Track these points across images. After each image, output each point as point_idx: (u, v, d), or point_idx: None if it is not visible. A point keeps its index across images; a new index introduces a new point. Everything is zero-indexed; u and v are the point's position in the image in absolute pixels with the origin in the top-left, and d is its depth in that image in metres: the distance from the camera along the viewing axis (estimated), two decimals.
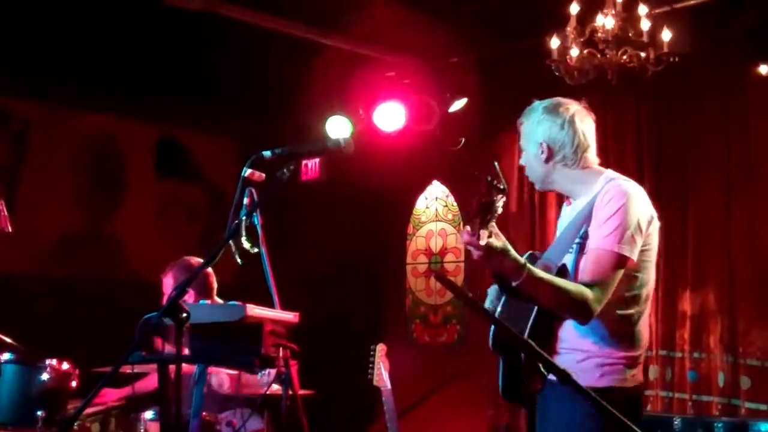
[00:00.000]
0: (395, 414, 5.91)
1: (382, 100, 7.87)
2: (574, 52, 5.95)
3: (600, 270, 3.53)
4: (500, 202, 3.37)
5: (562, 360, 3.55)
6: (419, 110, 7.82)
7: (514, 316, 3.63)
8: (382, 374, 5.92)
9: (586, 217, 3.67)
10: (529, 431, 3.08)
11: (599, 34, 5.84)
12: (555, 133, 3.81)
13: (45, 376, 5.09)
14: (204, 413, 4.99)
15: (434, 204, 8.93)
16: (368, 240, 8.88)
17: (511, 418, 7.68)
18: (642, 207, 3.68)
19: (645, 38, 5.79)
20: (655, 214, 3.73)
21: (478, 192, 3.37)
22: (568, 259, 3.68)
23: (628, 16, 5.82)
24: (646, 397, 7.01)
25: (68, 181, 7.96)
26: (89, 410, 5.43)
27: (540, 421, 3.64)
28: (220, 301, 5.92)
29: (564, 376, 2.77)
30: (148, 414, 5.34)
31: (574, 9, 5.87)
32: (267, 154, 3.75)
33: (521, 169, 8.34)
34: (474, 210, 3.34)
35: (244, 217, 3.82)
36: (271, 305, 4.37)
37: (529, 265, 3.46)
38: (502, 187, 3.39)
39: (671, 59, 5.87)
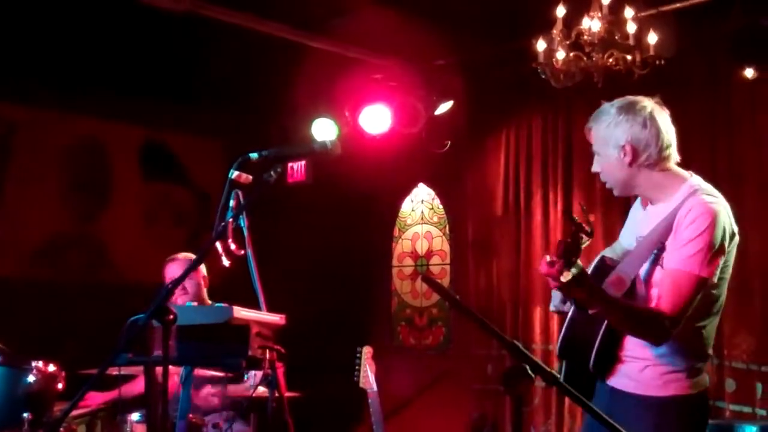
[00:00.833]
0: (381, 416, 5.90)
1: (367, 102, 7.87)
2: (560, 55, 5.96)
3: (680, 293, 3.43)
4: (585, 244, 3.36)
5: (624, 368, 3.59)
6: (405, 113, 7.82)
7: (586, 323, 3.60)
8: (368, 376, 5.91)
9: (666, 228, 3.54)
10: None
11: (585, 37, 5.85)
12: (638, 133, 3.64)
13: (31, 378, 5.07)
14: (190, 415, 4.99)
15: (420, 207, 8.93)
16: (354, 242, 8.87)
17: (495, 419, 7.69)
18: (726, 226, 3.51)
19: (631, 41, 5.81)
20: (736, 230, 3.59)
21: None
22: (642, 271, 3.60)
23: (615, 19, 5.84)
24: None
25: (54, 185, 7.93)
26: (75, 412, 5.41)
27: None
28: (209, 301, 5.93)
29: (552, 378, 2.76)
30: (135, 416, 5.33)
31: (560, 12, 5.88)
32: (254, 156, 3.75)
33: (507, 171, 8.39)
34: (560, 251, 3.29)
35: (230, 219, 3.81)
36: (257, 307, 4.37)
37: (603, 294, 3.43)
38: (589, 230, 3.39)
39: (657, 62, 5.88)
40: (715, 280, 3.49)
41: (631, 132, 3.63)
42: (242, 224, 4.25)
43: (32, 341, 5.71)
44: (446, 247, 8.71)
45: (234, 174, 3.84)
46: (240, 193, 3.94)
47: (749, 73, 6.33)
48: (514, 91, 7.66)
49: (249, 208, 3.96)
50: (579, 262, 3.31)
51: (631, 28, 5.80)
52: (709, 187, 3.60)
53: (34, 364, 5.10)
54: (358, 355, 6.00)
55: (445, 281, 8.54)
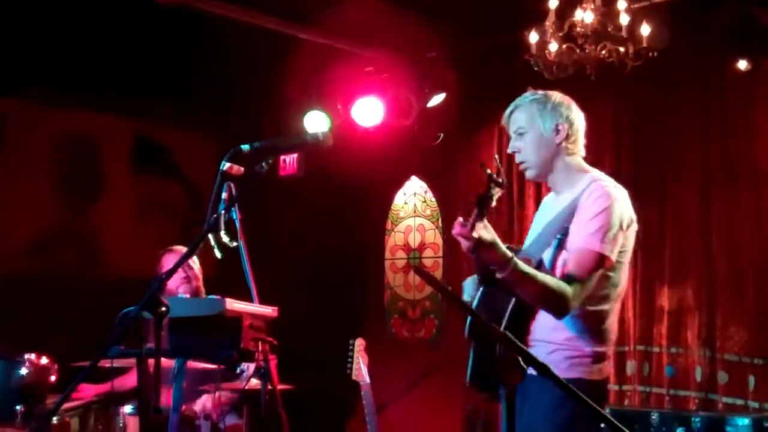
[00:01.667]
0: (374, 408, 5.90)
1: (360, 95, 7.86)
2: (553, 46, 5.95)
3: (581, 268, 3.59)
4: (497, 195, 3.52)
5: (535, 351, 3.54)
6: (397, 105, 7.81)
7: (492, 309, 3.71)
8: (361, 369, 5.91)
9: (569, 214, 3.72)
10: (507, 424, 3.06)
11: (578, 29, 5.84)
12: (571, 117, 3.90)
13: (24, 371, 5.07)
14: (183, 407, 4.98)
15: (412, 199, 8.92)
16: (347, 235, 8.87)
17: (487, 412, 7.68)
18: (624, 210, 3.74)
19: (624, 33, 5.80)
20: (634, 218, 3.80)
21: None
22: (546, 254, 3.75)
23: (607, 11, 5.83)
24: (624, 392, 7.04)
25: (45, 179, 7.91)
26: (68, 405, 5.42)
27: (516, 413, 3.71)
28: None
29: (543, 368, 2.77)
30: (127, 408, 5.32)
31: (553, 3, 5.88)
32: (245, 147, 3.73)
33: (501, 163, 8.38)
34: (473, 202, 3.44)
35: (222, 211, 3.80)
36: (250, 300, 4.36)
37: (515, 259, 3.53)
38: (501, 180, 3.53)
39: (650, 54, 5.88)
40: (614, 259, 3.66)
41: (566, 114, 3.89)
42: (234, 216, 4.23)
43: (23, 335, 5.71)
44: (439, 240, 8.70)
45: (226, 166, 3.81)
46: (232, 185, 3.92)
47: (743, 65, 6.34)
48: (507, 84, 7.63)
49: (241, 200, 3.93)
50: (491, 228, 3.50)
51: (624, 19, 5.79)
52: (608, 179, 3.87)
53: (27, 356, 5.11)
54: (350, 347, 5.99)
55: (438, 274, 8.53)
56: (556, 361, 3.61)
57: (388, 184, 9.01)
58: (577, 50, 5.93)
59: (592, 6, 5.81)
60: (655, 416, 6.01)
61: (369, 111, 7.84)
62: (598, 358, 3.73)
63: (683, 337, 6.80)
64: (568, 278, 3.59)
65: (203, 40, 7.09)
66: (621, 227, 3.69)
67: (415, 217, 8.89)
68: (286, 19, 7.11)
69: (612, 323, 3.79)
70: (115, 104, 8.01)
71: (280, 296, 4.35)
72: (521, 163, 3.93)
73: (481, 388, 3.92)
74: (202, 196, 8.42)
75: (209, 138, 8.46)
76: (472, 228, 3.39)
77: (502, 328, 3.48)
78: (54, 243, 7.94)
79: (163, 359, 3.32)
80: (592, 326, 3.71)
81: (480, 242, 3.44)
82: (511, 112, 3.95)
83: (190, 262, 5.83)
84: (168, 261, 5.94)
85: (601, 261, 3.62)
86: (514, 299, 3.67)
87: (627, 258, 3.80)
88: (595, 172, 3.89)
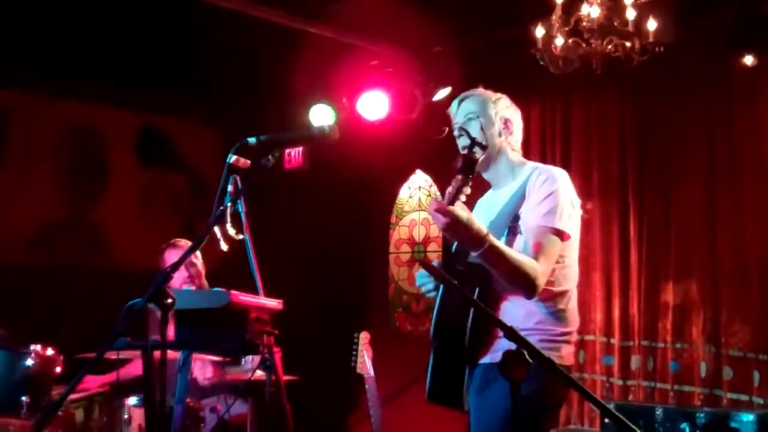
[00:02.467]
0: (378, 401, 5.91)
1: (365, 88, 7.85)
2: (559, 41, 5.94)
3: (542, 247, 3.69)
4: (481, 156, 3.75)
5: (499, 343, 3.68)
6: (403, 99, 7.81)
7: (454, 305, 3.77)
8: (365, 362, 5.92)
9: (519, 200, 3.84)
10: (512, 419, 3.07)
11: (584, 24, 5.83)
12: (512, 115, 4.06)
13: (29, 362, 5.08)
14: (188, 399, 4.99)
15: (417, 193, 8.92)
16: (351, 229, 8.87)
17: None
18: (571, 190, 3.87)
19: (630, 28, 5.79)
20: (578, 202, 3.91)
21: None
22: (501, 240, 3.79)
23: (614, 6, 5.82)
24: (628, 387, 7.03)
25: (50, 170, 7.92)
26: (73, 396, 5.43)
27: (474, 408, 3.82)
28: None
29: (548, 363, 2.77)
30: (132, 400, 5.33)
31: None
32: (252, 140, 3.74)
33: None
34: (459, 167, 3.59)
35: (228, 204, 3.80)
36: (255, 292, 4.37)
37: (491, 236, 3.60)
38: (485, 143, 3.77)
39: (656, 49, 5.87)
40: (571, 234, 3.78)
41: (510, 111, 4.06)
42: (240, 209, 4.24)
43: (28, 327, 5.72)
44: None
45: (232, 158, 3.82)
46: (238, 178, 3.92)
47: (749, 60, 6.32)
48: (513, 78, 7.62)
49: (247, 193, 3.94)
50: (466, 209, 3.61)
51: (631, 14, 5.78)
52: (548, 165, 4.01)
53: (32, 347, 5.12)
54: (355, 340, 6.00)
55: None
56: None
57: (392, 178, 9.00)
58: (583, 45, 5.92)
59: (599, 1, 5.79)
60: (659, 412, 6.01)
61: (374, 105, 7.83)
62: (567, 339, 3.81)
63: (688, 333, 6.79)
64: (532, 256, 3.67)
65: (210, 33, 7.09)
66: (572, 205, 3.81)
67: (419, 210, 8.88)
68: (293, 12, 7.11)
69: (575, 305, 3.88)
70: (120, 96, 8.02)
71: (285, 289, 4.35)
72: (464, 147, 3.91)
73: (444, 402, 3.96)
74: (206, 189, 8.44)
75: (214, 130, 8.47)
76: (451, 201, 3.51)
77: (468, 324, 3.69)
78: (59, 234, 7.95)
79: (168, 351, 3.33)
80: (559, 308, 3.79)
81: (456, 218, 3.50)
82: (461, 101, 4.08)
83: (193, 258, 5.84)
84: (170, 256, 5.94)
85: (559, 236, 3.73)
86: (477, 290, 3.71)
87: (577, 238, 3.90)
88: (534, 162, 4.04)
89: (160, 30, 7.07)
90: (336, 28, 7.34)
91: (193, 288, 5.84)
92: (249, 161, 3.84)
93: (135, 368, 5.50)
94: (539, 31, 6.00)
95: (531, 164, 4.00)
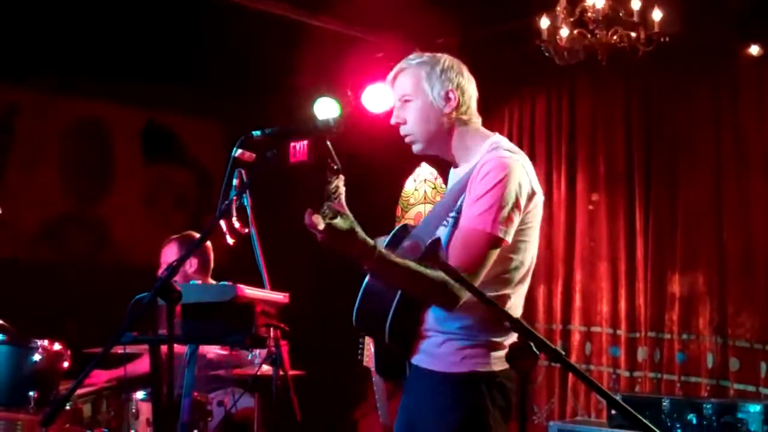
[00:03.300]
0: (385, 394, 5.91)
1: (370, 81, 7.84)
2: (564, 32, 5.94)
3: (469, 253, 3.18)
4: (338, 182, 3.16)
5: (424, 344, 3.36)
6: None
7: (380, 292, 3.39)
8: (372, 355, 5.92)
9: (461, 190, 3.33)
10: (520, 411, 3.03)
11: (589, 14, 5.83)
12: (463, 82, 3.45)
13: (37, 357, 5.08)
14: (195, 393, 4.99)
15: (423, 186, 8.91)
16: (357, 222, 8.84)
17: None
18: (522, 182, 3.27)
19: (635, 18, 5.79)
20: (538, 189, 3.36)
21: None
22: (441, 234, 3.35)
23: None
24: (635, 379, 7.03)
25: (56, 166, 7.93)
26: (81, 391, 5.44)
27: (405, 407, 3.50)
28: (211, 281, 5.93)
29: (556, 355, 2.72)
30: (140, 394, 5.34)
31: None
32: (257, 134, 3.73)
33: None
34: (324, 195, 3.11)
35: (234, 198, 3.80)
36: (261, 286, 4.37)
37: (380, 249, 3.14)
38: (336, 167, 3.18)
39: (662, 39, 5.86)
40: (509, 240, 3.23)
41: (457, 80, 3.43)
42: (245, 203, 4.24)
43: (36, 322, 5.72)
44: None
45: (237, 152, 3.81)
46: (243, 171, 3.92)
47: (755, 50, 6.31)
48: (518, 70, 7.62)
49: (252, 187, 3.93)
50: (349, 214, 3.13)
51: (636, 4, 5.78)
52: (509, 144, 3.41)
53: (39, 342, 5.12)
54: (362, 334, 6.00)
55: None
56: (447, 352, 3.29)
57: (398, 171, 8.98)
58: (589, 36, 5.91)
59: None
60: (666, 403, 6.01)
61: (379, 97, 7.82)
62: (495, 346, 3.29)
63: (694, 324, 6.78)
64: (455, 264, 3.03)
65: (214, 27, 7.08)
66: (517, 204, 3.22)
67: (425, 203, 8.87)
68: (297, 5, 7.10)
69: (513, 309, 3.35)
70: (126, 92, 8.02)
71: (292, 282, 4.36)
72: (406, 136, 3.51)
73: (389, 376, 3.75)
74: (212, 183, 8.44)
75: (219, 125, 8.47)
76: (322, 218, 3.02)
77: (389, 319, 3.30)
78: (65, 230, 7.97)
79: (175, 345, 3.33)
80: (489, 314, 3.21)
81: (333, 231, 3.03)
82: (395, 76, 3.52)
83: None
84: (167, 252, 5.94)
85: (493, 243, 3.19)
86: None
87: (532, 235, 3.35)
88: (496, 138, 3.43)
89: (165, 25, 7.07)
90: (340, 21, 7.34)
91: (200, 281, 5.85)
92: (254, 155, 3.83)
93: (142, 365, 5.51)
94: (544, 23, 6.00)
95: (487, 143, 3.39)
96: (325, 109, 7.91)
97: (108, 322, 3.68)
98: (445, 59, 3.48)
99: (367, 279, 3.50)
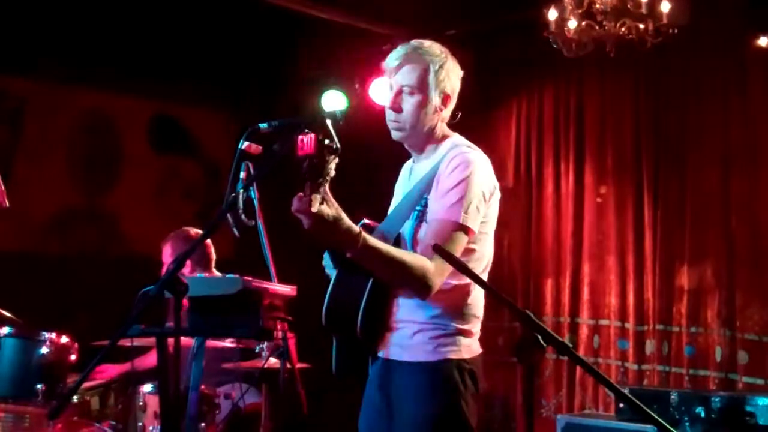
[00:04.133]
0: None
1: (377, 73, 7.82)
2: (572, 24, 5.92)
3: (442, 241, 3.27)
4: (332, 164, 3.11)
5: (395, 336, 3.47)
6: None
7: (349, 288, 3.50)
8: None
9: (427, 184, 3.49)
10: (525, 404, 3.02)
11: (597, 6, 5.81)
12: (454, 82, 3.57)
13: (44, 350, 5.08)
14: (202, 386, 4.99)
15: None
16: (363, 214, 8.84)
17: (506, 391, 7.68)
18: (485, 178, 3.47)
19: (644, 10, 5.76)
20: (497, 185, 3.55)
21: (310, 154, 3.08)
22: (405, 229, 3.52)
23: None
24: (643, 372, 7.03)
25: (64, 159, 7.93)
26: (88, 384, 5.45)
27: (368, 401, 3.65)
28: (217, 273, 5.93)
29: (564, 348, 2.72)
30: (147, 387, 5.35)
31: None
32: (263, 126, 3.71)
33: (518, 142, 8.29)
34: (304, 172, 3.05)
35: (241, 190, 3.79)
36: (268, 278, 4.37)
37: (365, 235, 3.24)
38: (335, 147, 3.13)
39: (670, 31, 5.84)
40: (476, 230, 3.40)
41: (454, 82, 3.56)
42: (253, 195, 4.24)
43: (43, 314, 5.73)
44: None
45: (244, 145, 3.80)
46: (250, 164, 3.91)
47: (763, 41, 6.28)
48: (526, 62, 7.61)
49: (259, 179, 3.93)
50: (334, 202, 3.19)
51: None
52: (468, 143, 3.56)
53: (47, 335, 5.12)
54: None
55: None
56: (420, 342, 3.42)
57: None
58: (597, 27, 5.89)
59: None
60: (674, 396, 5.99)
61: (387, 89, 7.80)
62: (465, 333, 3.47)
63: (703, 317, 6.77)
64: (428, 254, 3.27)
65: (222, 19, 7.08)
66: (483, 197, 3.43)
67: None
68: None
69: (477, 299, 3.51)
70: (134, 84, 8.02)
71: (299, 275, 4.35)
72: (394, 121, 3.61)
73: (348, 375, 3.79)
74: (220, 175, 8.43)
75: (227, 117, 8.46)
76: (309, 202, 3.02)
77: (360, 312, 3.39)
78: (74, 222, 7.97)
79: (182, 338, 3.33)
80: (457, 302, 3.44)
81: (320, 218, 3.08)
82: (401, 64, 3.58)
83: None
84: (168, 248, 5.95)
85: (463, 231, 3.36)
86: (371, 279, 3.41)
87: (491, 228, 3.53)
88: (456, 137, 3.59)
89: (173, 18, 7.07)
90: (348, 13, 7.32)
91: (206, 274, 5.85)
92: (261, 147, 3.82)
93: (150, 359, 5.51)
94: (552, 14, 5.98)
95: (451, 140, 3.56)
96: (333, 101, 7.90)
97: (117, 315, 3.67)
98: (449, 59, 3.58)
99: (333, 278, 3.62)
